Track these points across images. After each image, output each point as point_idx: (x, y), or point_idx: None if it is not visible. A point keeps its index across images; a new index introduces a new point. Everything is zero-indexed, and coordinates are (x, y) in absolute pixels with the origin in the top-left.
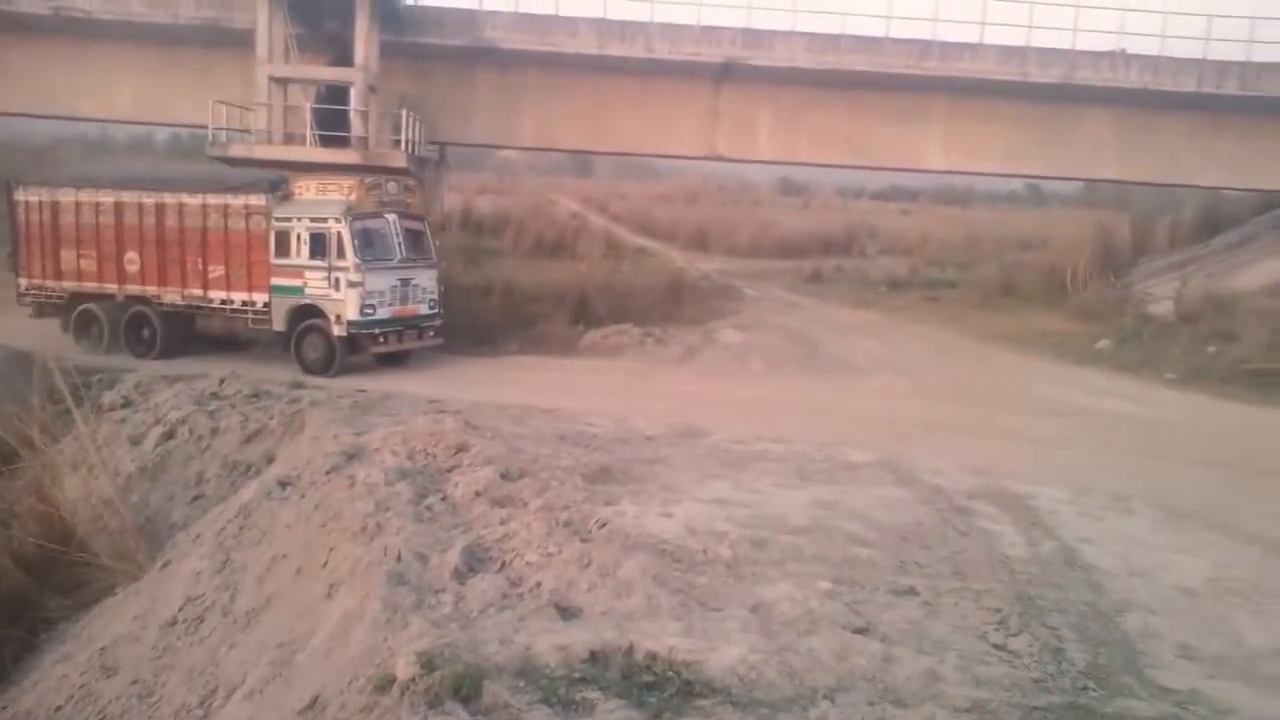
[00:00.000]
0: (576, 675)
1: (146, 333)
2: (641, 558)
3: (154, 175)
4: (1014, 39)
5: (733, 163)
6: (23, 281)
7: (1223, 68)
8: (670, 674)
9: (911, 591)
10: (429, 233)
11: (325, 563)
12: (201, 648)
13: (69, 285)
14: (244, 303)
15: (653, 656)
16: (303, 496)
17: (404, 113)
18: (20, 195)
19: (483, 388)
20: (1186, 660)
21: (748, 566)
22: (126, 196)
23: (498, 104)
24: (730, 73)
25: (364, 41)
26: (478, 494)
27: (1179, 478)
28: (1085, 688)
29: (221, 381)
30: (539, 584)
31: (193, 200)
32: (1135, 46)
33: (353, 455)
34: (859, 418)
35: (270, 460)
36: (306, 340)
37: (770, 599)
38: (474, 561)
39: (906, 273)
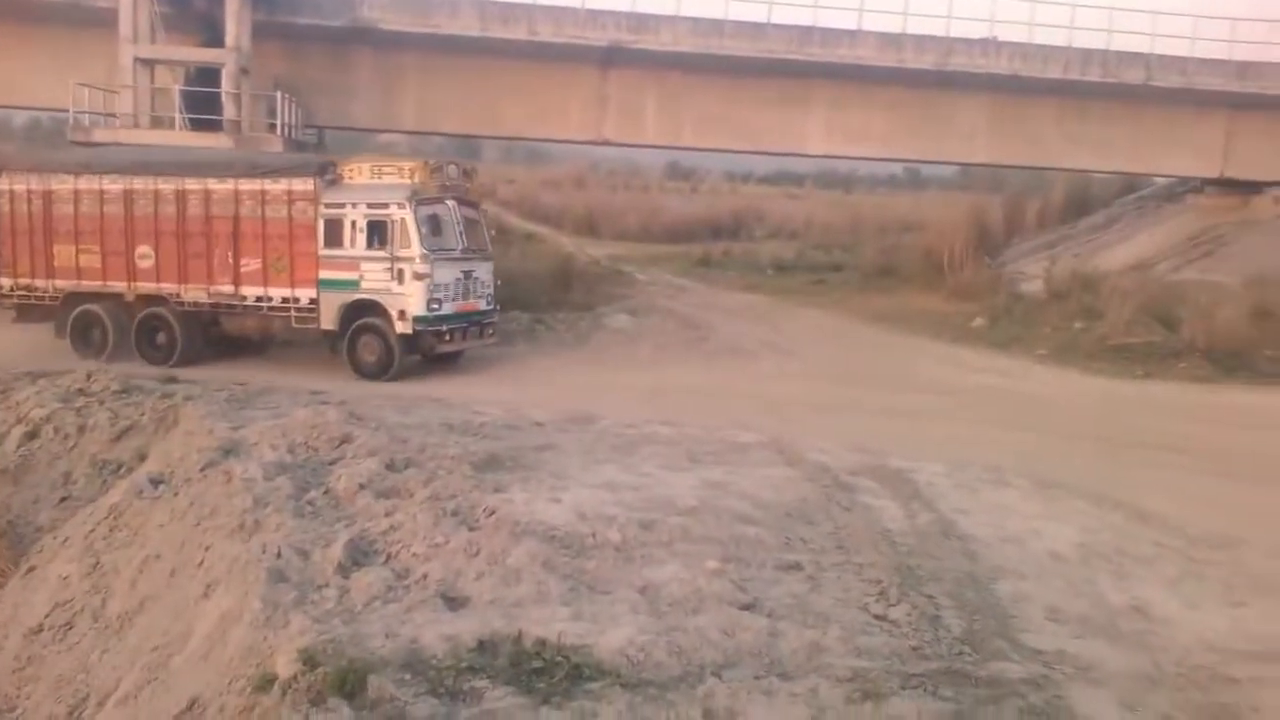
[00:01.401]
0: (464, 665)
1: (162, 336)
2: (530, 544)
3: (170, 159)
4: (892, 26)
5: (621, 147)
6: (4, 281)
7: (1086, 55)
8: (559, 659)
9: (797, 567)
10: (484, 221)
11: (201, 562)
12: (70, 655)
13: (64, 285)
14: (285, 300)
15: (542, 642)
16: (176, 494)
17: (279, 95)
18: (3, 184)
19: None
20: (1055, 622)
21: (637, 549)
22: (139, 183)
23: (377, 87)
24: (616, 57)
25: (235, 21)
26: (362, 486)
27: (1048, 450)
28: (961, 653)
29: (89, 376)
30: (426, 575)
31: (222, 186)
32: (1006, 34)
33: (229, 450)
34: (748, 399)
35: (142, 458)
36: (361, 340)
37: (659, 580)
38: (358, 555)
39: (793, 256)
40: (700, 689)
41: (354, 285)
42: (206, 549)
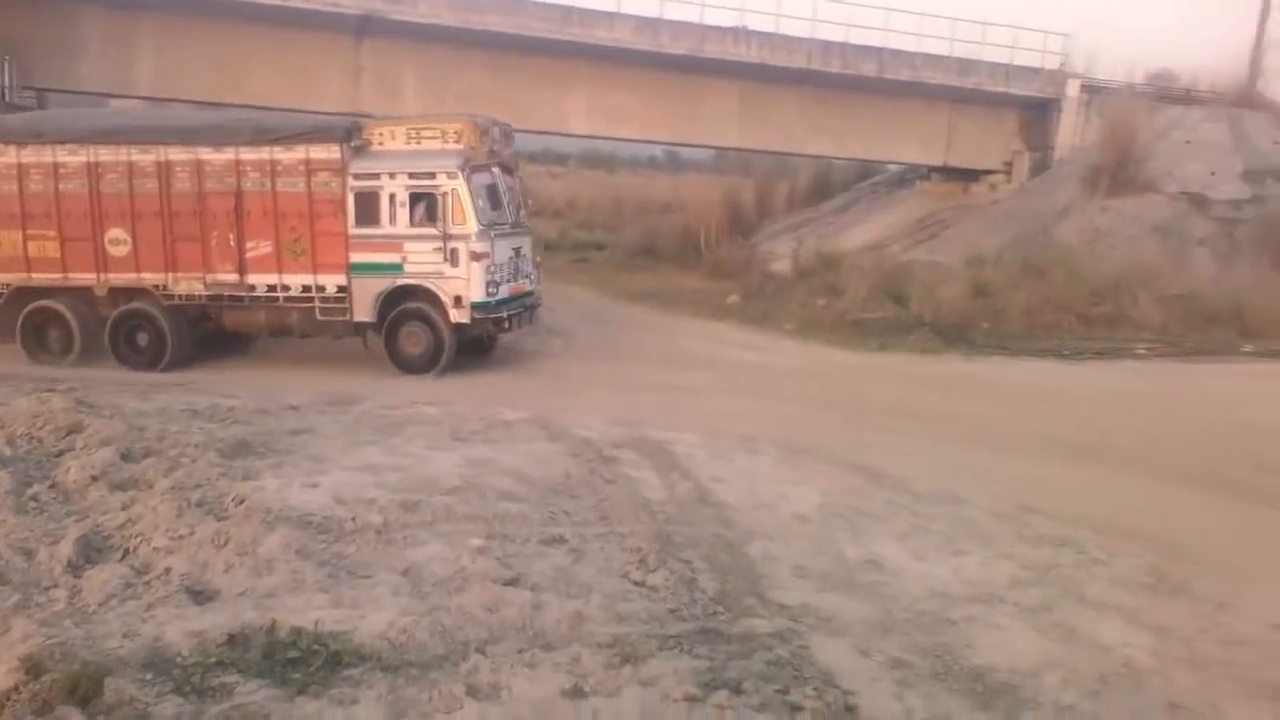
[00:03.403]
0: (213, 661)
1: (145, 336)
2: (284, 532)
3: (143, 125)
4: (649, 9)
5: None
6: None
7: (827, 47)
8: (317, 647)
9: (560, 540)
10: (521, 189)
11: None
12: None
13: (9, 278)
14: (305, 288)
15: (297, 632)
16: None
17: None
18: None
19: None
20: (799, 579)
21: (399, 531)
22: (106, 154)
23: (109, 47)
24: (372, 26)
25: None
26: (94, 478)
27: (796, 418)
28: (715, 613)
29: None
30: (169, 569)
31: (219, 156)
32: (756, 23)
33: None
34: (513, 377)
35: None
36: (404, 331)
37: (421, 561)
38: (91, 551)
39: (556, 235)
40: (464, 666)
41: (396, 269)
42: None
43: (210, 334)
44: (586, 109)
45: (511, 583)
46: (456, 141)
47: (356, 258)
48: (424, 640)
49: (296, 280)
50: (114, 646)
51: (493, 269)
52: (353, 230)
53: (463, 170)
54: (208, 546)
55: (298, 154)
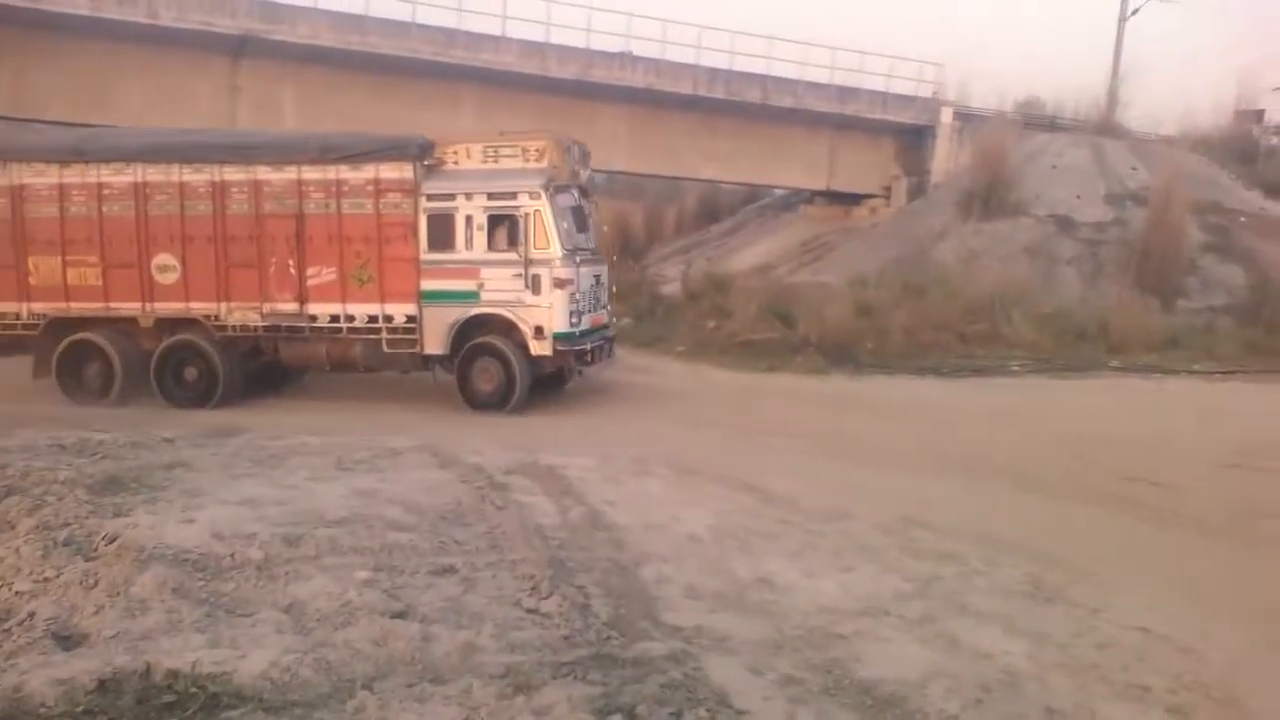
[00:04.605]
0: (81, 709)
1: (194, 371)
2: (159, 570)
3: (196, 141)
4: (535, 34)
5: None
6: None
7: (712, 74)
8: (194, 690)
9: (451, 570)
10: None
11: None
12: None
13: (45, 308)
14: (371, 318)
15: (174, 674)
16: None
17: None
18: None
19: None
20: (692, 600)
21: (281, 566)
22: (154, 174)
23: None
24: (250, 46)
25: None
26: None
27: (688, 440)
28: (609, 638)
29: None
30: (33, 614)
31: (279, 175)
32: (642, 49)
33: None
34: (399, 404)
35: None
36: (477, 365)
37: (305, 596)
38: None
39: None
40: (350, 704)
41: (472, 297)
42: None
43: (265, 368)
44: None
45: (400, 615)
46: (538, 160)
47: (428, 285)
48: (308, 678)
49: (362, 310)
50: None
51: (577, 297)
52: (425, 255)
53: (546, 190)
54: (76, 588)
55: (366, 173)
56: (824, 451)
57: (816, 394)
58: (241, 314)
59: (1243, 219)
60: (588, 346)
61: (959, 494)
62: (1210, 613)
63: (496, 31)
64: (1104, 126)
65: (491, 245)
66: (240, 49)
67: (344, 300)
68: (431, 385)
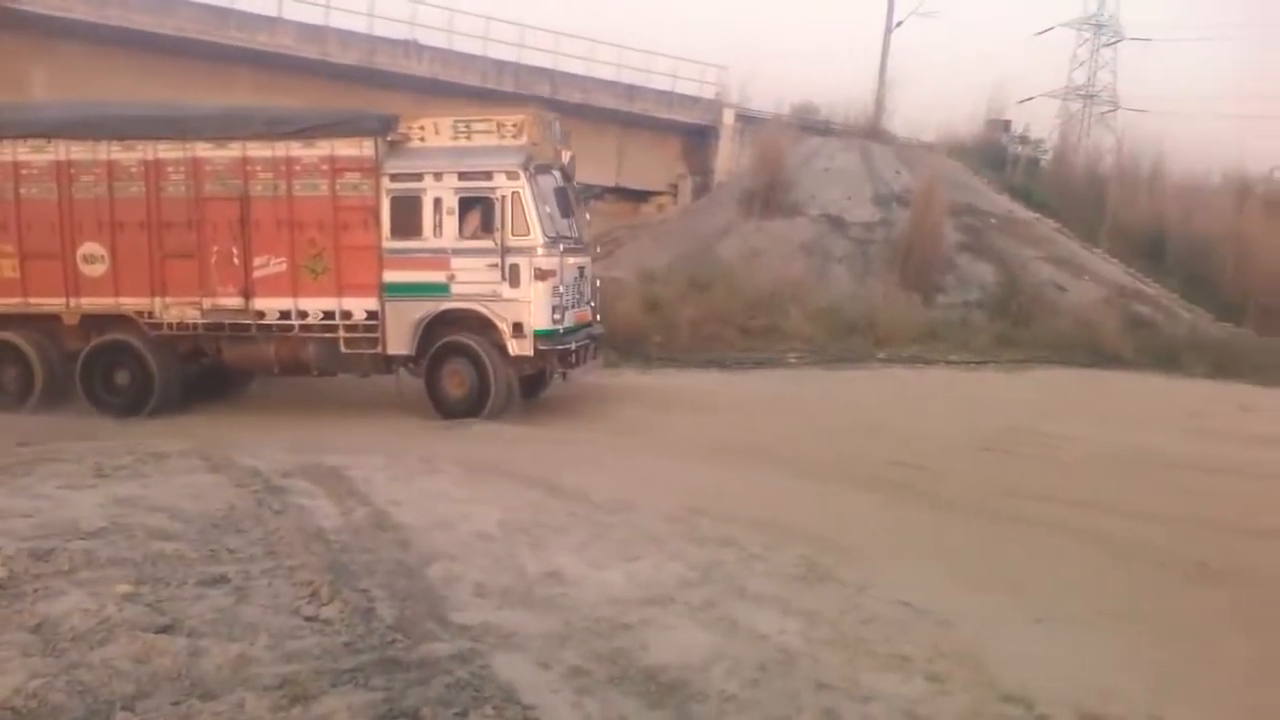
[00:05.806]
0: None
1: (125, 375)
2: None
3: (127, 114)
4: (315, 17)
5: None
6: None
7: (501, 67)
8: None
9: (222, 579)
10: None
11: None
12: None
13: None
14: (326, 315)
15: None
16: None
17: None
18: None
19: None
20: (481, 598)
21: (29, 583)
22: (79, 152)
23: None
24: None
25: None
26: None
27: (476, 437)
28: (393, 641)
29: None
30: None
31: (220, 153)
32: (428, 38)
33: None
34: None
35: None
36: (446, 367)
37: (57, 614)
38: None
39: None
40: None
41: (442, 290)
42: None
43: (206, 371)
44: None
45: (165, 629)
46: (516, 136)
47: (392, 277)
48: (60, 702)
49: (315, 305)
50: None
51: (560, 290)
52: (388, 243)
53: (526, 170)
54: None
55: (320, 150)
56: (613, 445)
57: (607, 387)
58: (179, 310)
59: (993, 220)
60: (572, 346)
61: (742, 481)
62: (964, 586)
63: (273, 12)
64: (872, 131)
65: (464, 232)
66: None
67: (295, 294)
68: (393, 391)
